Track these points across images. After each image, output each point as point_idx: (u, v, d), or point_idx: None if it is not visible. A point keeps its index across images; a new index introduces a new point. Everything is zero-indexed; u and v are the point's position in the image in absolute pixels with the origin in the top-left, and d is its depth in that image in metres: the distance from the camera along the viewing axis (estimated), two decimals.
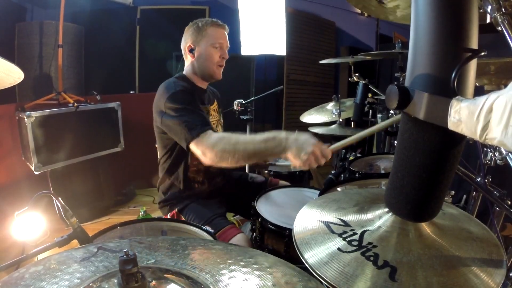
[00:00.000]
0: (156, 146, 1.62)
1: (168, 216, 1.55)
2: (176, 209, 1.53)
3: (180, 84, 1.44)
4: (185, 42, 1.52)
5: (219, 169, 1.61)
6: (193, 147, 1.26)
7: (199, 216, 1.45)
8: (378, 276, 0.50)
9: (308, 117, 2.29)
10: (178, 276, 0.55)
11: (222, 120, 1.73)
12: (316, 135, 1.91)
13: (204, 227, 1.12)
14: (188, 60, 1.54)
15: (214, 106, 1.65)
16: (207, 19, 1.52)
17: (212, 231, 1.30)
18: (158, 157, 1.62)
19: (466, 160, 1.02)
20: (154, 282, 0.52)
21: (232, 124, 1.96)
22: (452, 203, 1.12)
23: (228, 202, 1.64)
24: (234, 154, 1.16)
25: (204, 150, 1.21)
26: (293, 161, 1.12)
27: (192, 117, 1.30)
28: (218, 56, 1.50)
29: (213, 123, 1.60)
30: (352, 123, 2.25)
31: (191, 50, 1.49)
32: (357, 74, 2.15)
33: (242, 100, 2.27)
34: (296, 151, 1.10)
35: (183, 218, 1.50)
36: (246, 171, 2.42)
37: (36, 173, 2.30)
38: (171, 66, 3.60)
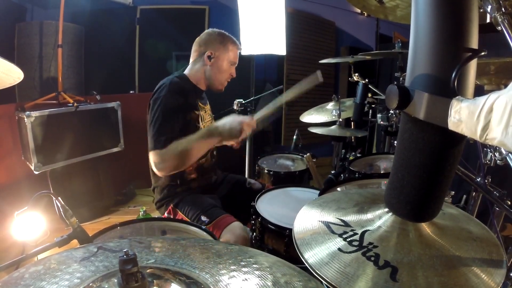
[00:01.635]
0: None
1: (165, 214, 1.58)
2: (171, 205, 1.54)
3: (176, 86, 1.45)
4: (205, 47, 1.55)
5: (211, 165, 1.67)
6: (150, 157, 1.35)
7: (194, 207, 1.47)
8: (379, 277, 0.50)
9: (308, 117, 2.29)
10: (178, 276, 0.54)
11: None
12: (316, 135, 1.92)
13: (204, 227, 1.12)
14: (200, 63, 1.57)
15: (208, 106, 1.70)
16: (228, 35, 1.60)
17: (208, 220, 1.33)
18: None
19: (466, 160, 1.02)
20: (154, 282, 0.52)
21: None
22: (452, 203, 1.12)
23: (224, 205, 1.65)
24: (188, 160, 1.34)
25: (158, 166, 1.33)
26: (230, 142, 1.36)
27: (161, 128, 1.34)
28: (229, 73, 1.60)
29: (211, 122, 1.66)
30: (352, 123, 2.25)
31: (210, 57, 1.54)
32: (357, 74, 2.15)
33: (242, 100, 2.27)
34: (229, 133, 1.31)
35: (179, 212, 1.51)
36: (246, 175, 2.43)
37: (36, 173, 2.30)
38: (171, 66, 3.60)
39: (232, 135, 1.32)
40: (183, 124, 1.43)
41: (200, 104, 1.58)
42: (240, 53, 1.65)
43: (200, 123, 1.55)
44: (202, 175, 1.63)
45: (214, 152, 1.71)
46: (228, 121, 1.34)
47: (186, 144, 1.34)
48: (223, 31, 1.62)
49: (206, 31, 1.62)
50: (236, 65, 1.65)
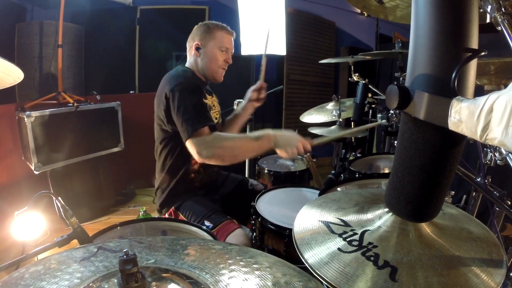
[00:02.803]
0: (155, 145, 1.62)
1: (166, 215, 1.56)
2: (173, 207, 1.53)
3: (188, 76, 1.49)
4: (193, 40, 1.57)
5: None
6: (189, 144, 1.32)
7: (196, 212, 1.46)
8: (379, 276, 0.50)
9: (308, 117, 2.29)
10: (178, 276, 0.54)
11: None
12: (316, 136, 1.93)
13: (204, 227, 1.12)
14: (192, 57, 1.59)
15: (215, 97, 1.70)
16: (217, 22, 1.58)
17: (211, 225, 1.33)
18: (157, 155, 1.62)
19: (466, 160, 1.02)
20: (154, 282, 0.52)
21: None
22: (452, 203, 1.12)
23: (226, 205, 1.65)
24: (232, 155, 1.34)
25: (201, 150, 1.30)
26: (280, 153, 1.32)
27: (194, 112, 1.34)
28: (223, 60, 1.57)
29: (216, 113, 1.64)
30: (352, 123, 2.25)
31: (198, 49, 1.55)
32: (357, 74, 2.15)
33: (242, 100, 2.26)
34: (285, 145, 1.30)
35: (181, 215, 1.50)
36: (246, 175, 2.42)
37: (36, 173, 2.30)
38: (171, 66, 3.60)
39: (287, 148, 1.31)
40: None
41: (204, 98, 1.57)
42: (233, 39, 1.60)
43: (210, 111, 1.55)
44: (205, 171, 1.61)
45: None
46: (288, 134, 1.35)
47: (239, 138, 1.39)
48: (212, 21, 1.59)
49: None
50: (231, 50, 1.60)
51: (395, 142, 0.84)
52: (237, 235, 1.33)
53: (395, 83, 0.55)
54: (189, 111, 1.33)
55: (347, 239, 0.58)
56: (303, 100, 4.18)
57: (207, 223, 1.38)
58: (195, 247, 0.66)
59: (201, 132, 1.31)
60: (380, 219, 0.61)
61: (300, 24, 4.13)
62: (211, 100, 1.62)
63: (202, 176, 1.60)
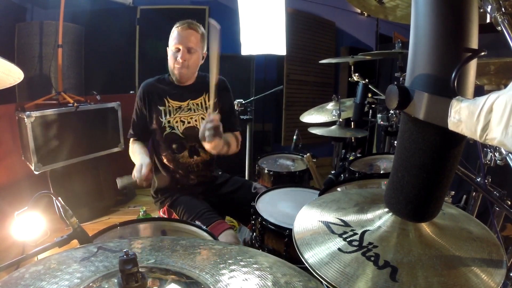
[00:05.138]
0: None
1: (160, 212, 1.61)
2: (166, 205, 1.58)
3: (140, 90, 1.66)
4: None
5: (193, 162, 1.64)
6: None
7: (189, 210, 1.48)
8: (379, 276, 0.50)
9: (308, 117, 2.29)
10: (178, 276, 0.55)
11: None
12: (316, 135, 1.92)
13: (204, 227, 1.13)
14: None
15: (199, 100, 1.65)
16: (181, 22, 1.59)
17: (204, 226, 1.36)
18: None
19: (466, 160, 1.02)
20: (154, 282, 0.52)
21: None
22: (452, 203, 1.12)
23: (224, 206, 1.65)
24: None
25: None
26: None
27: (133, 121, 1.66)
28: (174, 58, 1.57)
29: (191, 117, 1.61)
30: (352, 123, 2.25)
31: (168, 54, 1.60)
32: (357, 74, 2.15)
33: (242, 100, 2.26)
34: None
35: (174, 213, 1.54)
36: (246, 175, 2.43)
37: (36, 173, 2.30)
38: None
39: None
40: (149, 118, 1.62)
41: (168, 99, 1.61)
42: (193, 33, 1.59)
43: (163, 118, 1.58)
44: (188, 173, 1.63)
45: (199, 150, 1.61)
46: (139, 161, 1.47)
47: (133, 154, 1.59)
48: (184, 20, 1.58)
49: None
50: (186, 45, 1.55)
51: (395, 142, 0.83)
52: (227, 235, 1.35)
53: (395, 83, 0.55)
54: (133, 119, 1.67)
55: (347, 239, 0.58)
56: (303, 100, 4.18)
57: (198, 222, 1.39)
58: (196, 247, 0.66)
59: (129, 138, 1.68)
60: (380, 219, 0.61)
61: (300, 24, 4.13)
62: (172, 105, 1.60)
63: (188, 177, 1.63)
